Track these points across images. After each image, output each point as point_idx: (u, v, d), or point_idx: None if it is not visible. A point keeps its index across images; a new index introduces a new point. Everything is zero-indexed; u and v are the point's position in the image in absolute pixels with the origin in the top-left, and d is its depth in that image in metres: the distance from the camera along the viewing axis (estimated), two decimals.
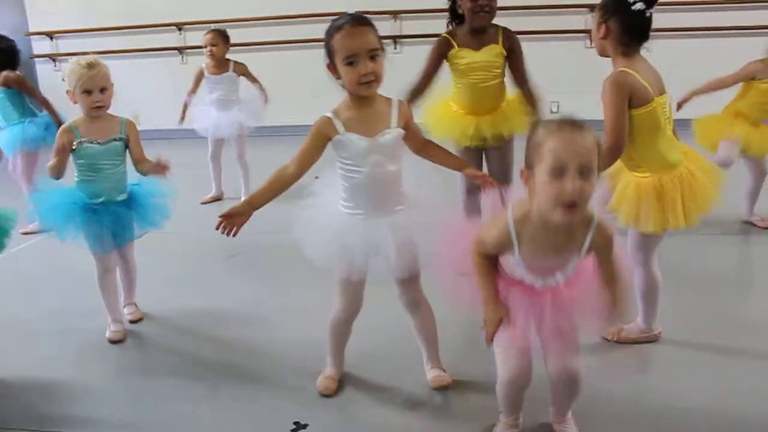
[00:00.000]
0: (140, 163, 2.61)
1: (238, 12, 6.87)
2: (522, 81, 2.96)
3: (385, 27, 6.80)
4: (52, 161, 2.52)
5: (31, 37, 7.65)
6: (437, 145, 2.15)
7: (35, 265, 3.63)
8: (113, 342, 2.65)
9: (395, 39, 6.78)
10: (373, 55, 1.84)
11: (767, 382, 2.17)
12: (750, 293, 2.97)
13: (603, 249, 1.64)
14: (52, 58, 7.67)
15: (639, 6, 2.15)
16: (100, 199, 2.55)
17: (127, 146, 2.60)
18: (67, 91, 2.52)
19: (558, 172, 1.46)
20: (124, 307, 2.85)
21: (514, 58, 2.93)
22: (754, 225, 3.70)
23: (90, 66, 2.47)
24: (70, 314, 2.92)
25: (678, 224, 2.21)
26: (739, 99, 3.56)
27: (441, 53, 2.94)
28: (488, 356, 1.82)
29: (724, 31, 6.21)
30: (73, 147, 2.50)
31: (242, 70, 4.54)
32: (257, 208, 1.94)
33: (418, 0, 6.09)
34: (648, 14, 2.18)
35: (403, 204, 2.00)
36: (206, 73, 4.51)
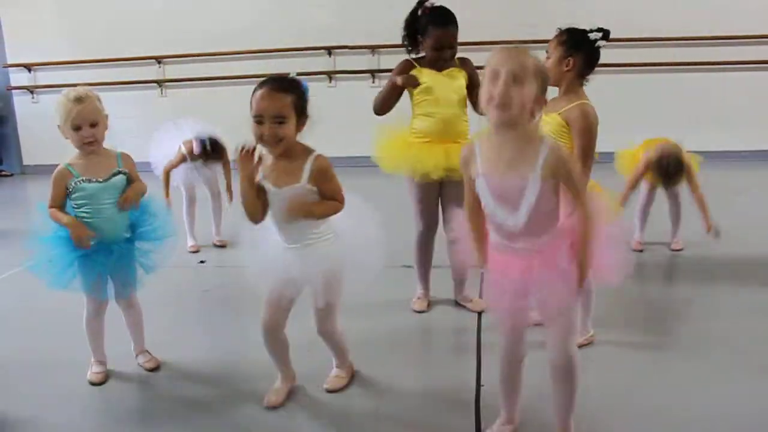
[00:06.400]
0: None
1: (218, 46, 6.91)
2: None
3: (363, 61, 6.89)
4: (50, 211, 2.36)
5: (9, 69, 7.63)
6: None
7: (7, 300, 3.55)
8: (94, 384, 2.53)
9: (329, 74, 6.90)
10: (279, 121, 1.98)
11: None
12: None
13: (560, 173, 1.73)
14: (30, 90, 7.62)
15: (601, 43, 2.47)
16: (100, 240, 2.38)
17: (129, 180, 2.45)
18: (58, 126, 2.35)
19: (492, 77, 1.69)
20: (137, 356, 2.67)
21: (473, 84, 2.87)
22: (672, 249, 3.95)
23: (78, 100, 2.30)
24: (44, 352, 2.82)
25: None
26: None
27: (404, 73, 2.92)
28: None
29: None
30: (69, 189, 2.35)
31: (225, 159, 4.15)
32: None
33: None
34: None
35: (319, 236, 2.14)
36: (189, 159, 4.12)
